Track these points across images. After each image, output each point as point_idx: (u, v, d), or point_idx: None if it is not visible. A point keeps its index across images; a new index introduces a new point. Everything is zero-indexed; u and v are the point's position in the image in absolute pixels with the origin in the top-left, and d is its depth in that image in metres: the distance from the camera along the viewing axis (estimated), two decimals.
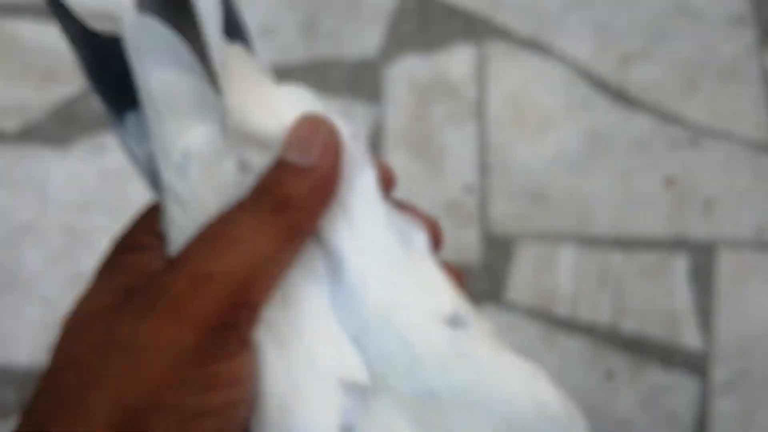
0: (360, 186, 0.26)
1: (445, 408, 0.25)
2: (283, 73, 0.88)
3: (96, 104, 0.82)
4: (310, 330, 0.25)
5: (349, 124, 0.26)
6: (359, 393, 0.25)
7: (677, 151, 0.86)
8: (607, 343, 0.81)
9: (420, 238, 0.26)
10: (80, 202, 0.80)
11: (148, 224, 0.26)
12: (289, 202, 0.25)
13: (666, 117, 0.87)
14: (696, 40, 0.89)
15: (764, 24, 0.89)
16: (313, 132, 0.25)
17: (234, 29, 0.27)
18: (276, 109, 0.26)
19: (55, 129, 0.83)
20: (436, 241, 0.28)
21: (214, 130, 0.25)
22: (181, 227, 0.25)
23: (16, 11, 0.84)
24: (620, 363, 0.80)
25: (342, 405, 0.25)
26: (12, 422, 0.72)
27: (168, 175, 0.25)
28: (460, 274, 0.28)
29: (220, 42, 0.24)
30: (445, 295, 0.26)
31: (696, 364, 0.80)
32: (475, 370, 0.25)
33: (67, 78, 0.82)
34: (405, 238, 0.27)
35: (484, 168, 0.86)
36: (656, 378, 0.80)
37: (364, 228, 0.26)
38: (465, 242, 0.83)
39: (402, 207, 0.28)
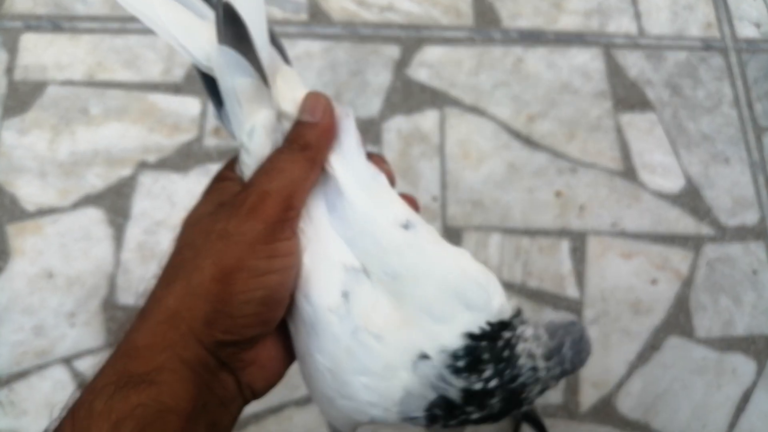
0: (348, 135, 0.29)
1: (404, 281, 0.28)
2: None
3: (204, 144, 0.86)
4: (322, 232, 0.29)
5: (338, 102, 0.29)
6: (354, 273, 0.28)
7: (563, 176, 0.91)
8: (519, 294, 0.85)
9: (382, 176, 0.30)
10: None
11: (231, 166, 0.30)
12: (308, 145, 0.28)
13: (556, 154, 0.92)
14: (574, 107, 0.95)
15: (616, 98, 0.96)
16: (316, 101, 0.29)
17: (285, 58, 0.31)
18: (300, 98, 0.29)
19: (179, 161, 0.87)
20: (392, 180, 0.31)
21: (271, 113, 0.29)
22: (248, 166, 0.29)
23: (156, 87, 0.90)
24: (527, 307, 0.84)
25: (343, 279, 0.28)
26: None
27: (242, 138, 0.29)
28: (414, 200, 0.31)
29: (269, 62, 0.28)
30: (400, 210, 0.29)
31: (574, 307, 0.85)
32: (421, 254, 0.28)
33: (186, 129, 0.88)
34: (374, 174, 0.29)
35: (443, 186, 0.89)
36: (550, 316, 0.83)
37: (351, 161, 0.29)
38: None
39: (372, 157, 0.31)
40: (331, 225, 0.29)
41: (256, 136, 0.29)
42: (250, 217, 0.26)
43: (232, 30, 0.27)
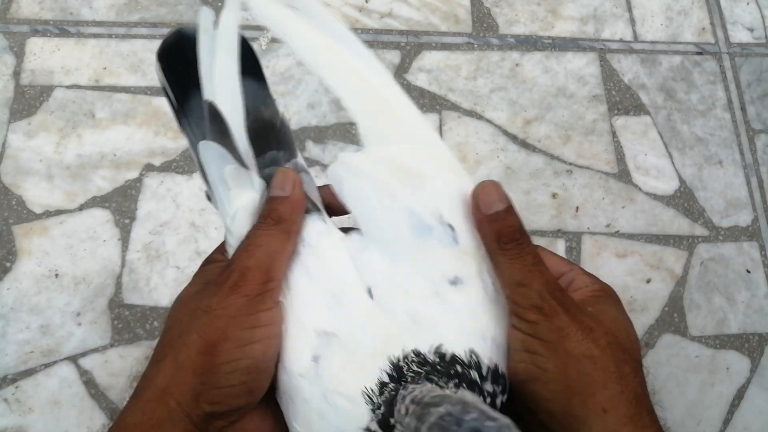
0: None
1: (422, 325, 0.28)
2: (323, 131, 0.90)
3: None
4: (297, 300, 0.29)
5: (306, 174, 0.32)
6: (326, 337, 0.28)
7: (559, 177, 0.92)
8: None
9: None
10: (198, 208, 0.85)
11: (221, 249, 0.32)
12: (282, 218, 0.30)
13: (552, 157, 0.93)
14: (570, 111, 0.96)
15: (611, 102, 0.97)
16: (284, 176, 0.31)
17: (291, 146, 0.32)
18: None
19: (184, 163, 0.88)
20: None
21: (253, 197, 0.31)
22: (232, 246, 0.30)
23: (160, 92, 0.80)
24: None
25: (314, 344, 0.28)
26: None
27: (227, 221, 0.31)
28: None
29: (248, 151, 0.30)
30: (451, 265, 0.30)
31: None
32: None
33: None
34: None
35: None
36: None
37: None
38: None
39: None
40: (307, 287, 0.30)
41: (238, 219, 0.30)
42: (233, 293, 0.28)
43: (215, 126, 0.30)
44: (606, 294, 0.30)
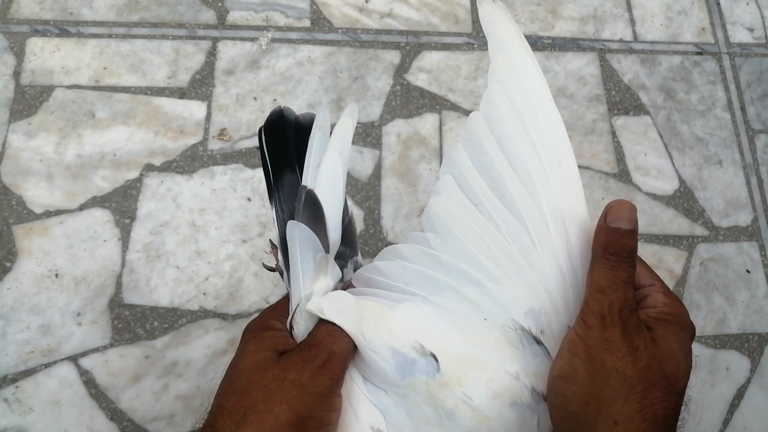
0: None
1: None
2: None
3: (208, 148, 0.86)
4: (353, 395, 0.31)
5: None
6: None
7: None
8: None
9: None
10: (199, 208, 0.85)
11: (274, 315, 0.34)
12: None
13: None
14: (570, 111, 0.95)
15: (611, 102, 0.97)
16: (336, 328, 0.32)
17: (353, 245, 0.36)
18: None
19: (184, 163, 0.87)
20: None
21: (328, 283, 0.33)
22: (300, 324, 0.32)
23: (161, 92, 0.90)
24: None
25: None
26: (159, 342, 0.77)
27: (299, 303, 0.32)
28: None
29: (336, 243, 0.33)
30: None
31: None
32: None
33: (191, 133, 0.88)
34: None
35: None
36: None
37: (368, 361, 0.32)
38: None
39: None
40: (360, 389, 0.32)
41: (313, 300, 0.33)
42: (321, 373, 0.29)
43: (310, 212, 0.32)
44: (674, 319, 0.30)
